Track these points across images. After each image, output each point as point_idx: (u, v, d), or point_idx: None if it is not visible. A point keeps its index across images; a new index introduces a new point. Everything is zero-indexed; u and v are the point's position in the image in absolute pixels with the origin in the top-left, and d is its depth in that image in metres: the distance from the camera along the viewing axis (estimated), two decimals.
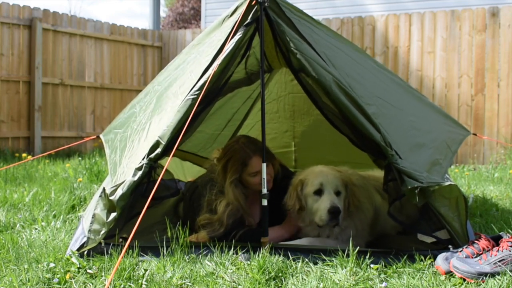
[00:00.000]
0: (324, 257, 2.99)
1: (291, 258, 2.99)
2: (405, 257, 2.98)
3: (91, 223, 3.07)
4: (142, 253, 3.04)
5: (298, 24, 3.36)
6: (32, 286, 2.63)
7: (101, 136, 4.06)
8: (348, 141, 3.40)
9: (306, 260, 2.99)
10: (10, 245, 3.31)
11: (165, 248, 3.06)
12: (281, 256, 2.98)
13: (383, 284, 2.68)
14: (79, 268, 2.85)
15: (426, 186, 2.98)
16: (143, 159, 3.10)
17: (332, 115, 3.34)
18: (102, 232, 3.03)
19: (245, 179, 3.53)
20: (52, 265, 2.85)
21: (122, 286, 2.63)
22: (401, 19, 9.16)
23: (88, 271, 2.82)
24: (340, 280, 2.71)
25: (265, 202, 3.15)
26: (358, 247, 2.98)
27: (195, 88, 3.17)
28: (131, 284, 2.64)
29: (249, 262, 2.91)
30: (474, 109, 8.64)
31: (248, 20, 3.26)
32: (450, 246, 3.01)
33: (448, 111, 8.58)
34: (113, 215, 3.02)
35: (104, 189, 3.14)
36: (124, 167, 3.25)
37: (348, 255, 2.93)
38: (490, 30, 8.57)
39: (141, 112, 3.65)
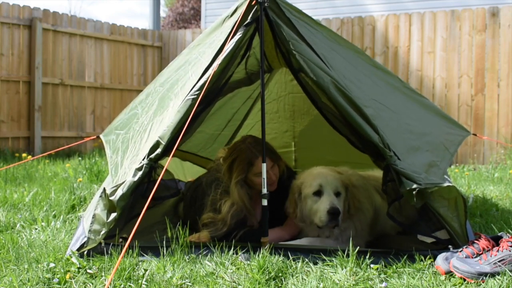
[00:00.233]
0: (324, 257, 2.99)
1: (291, 258, 2.99)
2: (405, 257, 2.98)
3: (91, 223, 3.07)
4: (142, 253, 3.04)
5: (297, 24, 3.37)
6: (32, 286, 2.63)
7: (101, 136, 4.06)
8: (348, 141, 3.40)
9: (306, 260, 2.99)
10: (10, 245, 3.31)
11: (165, 248, 3.06)
12: (281, 256, 2.98)
13: (383, 284, 2.68)
14: (79, 268, 2.86)
15: (424, 188, 2.98)
16: (143, 159, 3.11)
17: (332, 115, 3.34)
18: (103, 232, 3.03)
19: (250, 179, 3.53)
20: (52, 265, 2.85)
21: (122, 286, 2.63)
22: (401, 19, 9.16)
23: (88, 271, 2.82)
24: (340, 280, 2.71)
25: (265, 202, 3.15)
26: (358, 247, 2.98)
27: (195, 88, 3.17)
28: (131, 284, 2.64)
29: (249, 262, 2.91)
30: (474, 109, 8.64)
31: (248, 20, 3.26)
32: (450, 246, 3.01)
33: (448, 111, 8.58)
34: (113, 215, 3.02)
35: (104, 189, 3.14)
36: (125, 168, 3.25)
37: (348, 255, 2.93)
38: (490, 30, 8.57)
39: (143, 114, 3.65)
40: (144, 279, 2.68)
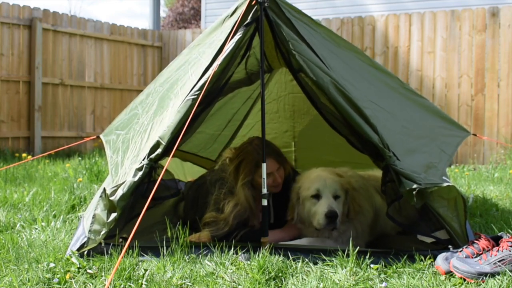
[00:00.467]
0: (324, 257, 2.99)
1: (291, 258, 2.99)
2: (405, 257, 2.98)
3: (91, 223, 3.07)
4: (142, 253, 3.04)
5: (297, 25, 3.37)
6: (32, 286, 2.63)
7: (101, 136, 4.06)
8: (347, 142, 3.40)
9: (306, 260, 2.99)
10: (10, 245, 3.31)
11: (165, 248, 3.06)
12: (281, 256, 2.98)
13: (383, 284, 2.68)
14: (79, 268, 2.86)
15: (423, 188, 2.98)
16: (143, 160, 3.11)
17: (331, 116, 3.34)
18: (103, 232, 3.03)
19: (256, 180, 3.54)
20: (52, 265, 2.85)
21: (122, 286, 2.63)
22: (401, 19, 9.16)
23: (88, 271, 2.82)
24: (340, 280, 2.71)
25: (265, 202, 3.15)
26: (358, 247, 2.98)
27: (195, 89, 3.17)
28: (131, 284, 2.64)
29: (249, 262, 2.91)
30: (474, 109, 8.64)
31: (248, 20, 3.27)
32: (450, 246, 3.01)
33: (448, 111, 8.58)
34: (113, 215, 3.02)
35: (104, 189, 3.14)
36: (126, 168, 3.26)
37: (348, 255, 2.93)
38: (490, 30, 8.57)
39: (144, 114, 3.65)
40: (144, 279, 2.68)
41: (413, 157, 3.36)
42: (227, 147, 4.75)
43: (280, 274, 2.79)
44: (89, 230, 3.06)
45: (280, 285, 2.70)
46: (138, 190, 3.09)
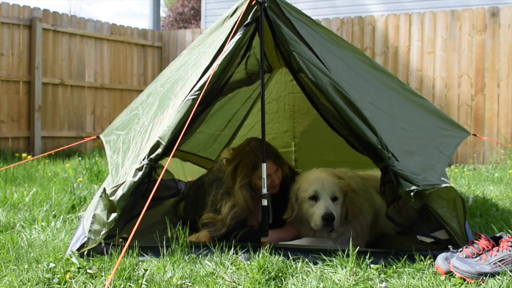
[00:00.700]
0: (324, 257, 2.99)
1: (291, 258, 2.99)
2: (405, 257, 2.98)
3: (91, 223, 3.07)
4: (142, 253, 3.04)
5: (297, 25, 3.37)
6: (32, 286, 2.63)
7: (101, 136, 4.06)
8: (346, 142, 3.40)
9: (306, 260, 2.99)
10: (10, 245, 3.31)
11: (165, 248, 3.06)
12: (281, 256, 2.98)
13: (383, 284, 2.68)
14: (79, 268, 2.86)
15: (422, 189, 2.98)
16: (143, 160, 3.11)
17: (331, 116, 3.34)
18: (103, 232, 3.03)
19: (254, 182, 3.53)
20: (52, 265, 2.85)
21: (122, 286, 2.63)
22: (401, 19, 9.16)
23: (88, 271, 2.82)
24: (340, 280, 2.71)
25: (265, 202, 3.15)
26: (358, 247, 2.98)
27: (195, 89, 3.18)
28: (131, 284, 2.64)
29: (249, 262, 2.91)
30: (474, 109, 8.64)
31: (248, 20, 3.26)
32: (450, 246, 3.01)
33: (448, 111, 8.58)
34: (113, 215, 3.02)
35: (104, 189, 3.14)
36: (126, 169, 3.26)
37: (348, 255, 2.93)
38: (490, 30, 8.57)
39: (144, 114, 3.65)
40: (144, 279, 2.68)
41: (411, 158, 3.36)
42: (227, 147, 4.75)
43: (280, 274, 2.79)
44: (89, 230, 3.06)
45: (280, 285, 2.70)
46: (138, 190, 3.09)
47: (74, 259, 2.92)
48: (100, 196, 3.14)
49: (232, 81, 3.75)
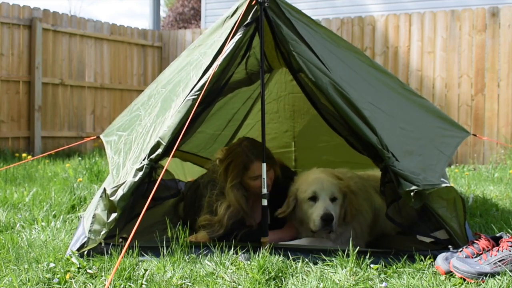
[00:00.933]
0: (324, 257, 2.99)
1: (291, 258, 2.99)
2: (405, 257, 2.98)
3: (91, 224, 3.07)
4: (142, 253, 3.04)
5: (297, 25, 3.36)
6: (32, 286, 2.63)
7: (101, 136, 4.06)
8: (346, 142, 3.40)
9: (306, 260, 2.99)
10: (10, 245, 3.31)
11: (165, 248, 3.06)
12: (281, 256, 2.98)
13: (383, 284, 2.68)
14: (79, 268, 2.86)
15: (422, 189, 2.98)
16: (143, 160, 3.11)
17: (331, 116, 3.34)
18: (103, 232, 3.03)
19: (246, 182, 3.53)
20: (52, 265, 2.85)
21: (122, 286, 2.63)
22: (401, 19, 9.16)
23: (88, 271, 2.82)
24: (340, 280, 2.71)
25: (265, 202, 3.15)
26: (358, 247, 2.98)
27: (196, 89, 3.18)
28: (131, 284, 2.64)
29: (249, 262, 2.91)
30: (474, 109, 8.64)
31: (248, 20, 3.26)
32: (450, 246, 3.01)
33: (448, 111, 8.58)
34: (113, 215, 3.02)
35: (105, 189, 3.14)
36: (127, 169, 3.26)
37: (348, 255, 2.93)
38: (490, 30, 8.57)
39: (146, 116, 3.65)
40: (144, 279, 2.68)
41: (411, 158, 3.36)
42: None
43: (280, 274, 2.79)
44: (89, 230, 3.06)
45: (280, 285, 2.71)
46: (138, 190, 3.09)
47: (74, 259, 2.92)
48: (100, 196, 3.14)
49: (232, 81, 3.75)
